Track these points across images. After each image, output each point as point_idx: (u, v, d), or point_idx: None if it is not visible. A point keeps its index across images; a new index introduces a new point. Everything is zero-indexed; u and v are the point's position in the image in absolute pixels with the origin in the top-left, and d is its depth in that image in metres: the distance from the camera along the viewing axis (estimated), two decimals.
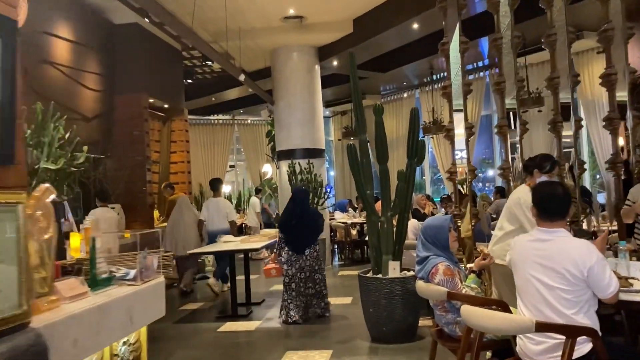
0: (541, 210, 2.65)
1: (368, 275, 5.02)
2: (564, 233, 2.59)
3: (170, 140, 9.71)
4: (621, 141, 6.51)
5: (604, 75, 4.57)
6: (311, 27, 8.98)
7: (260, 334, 5.40)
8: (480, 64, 11.35)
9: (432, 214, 9.17)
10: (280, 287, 7.60)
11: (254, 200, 11.60)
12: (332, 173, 15.97)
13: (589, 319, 2.44)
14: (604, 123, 4.69)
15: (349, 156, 5.26)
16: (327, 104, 14.46)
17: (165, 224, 8.60)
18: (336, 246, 11.11)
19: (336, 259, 10.74)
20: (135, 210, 7.72)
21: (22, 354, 1.65)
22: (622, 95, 4.67)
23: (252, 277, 7.72)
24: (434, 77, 12.06)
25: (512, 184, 5.15)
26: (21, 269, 1.73)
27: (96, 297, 2.27)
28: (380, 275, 4.91)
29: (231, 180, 16.05)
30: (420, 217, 8.13)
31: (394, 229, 5.09)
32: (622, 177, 4.58)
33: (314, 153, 9.78)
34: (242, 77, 7.93)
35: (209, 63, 10.62)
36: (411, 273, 4.88)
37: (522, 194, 3.67)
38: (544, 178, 3.59)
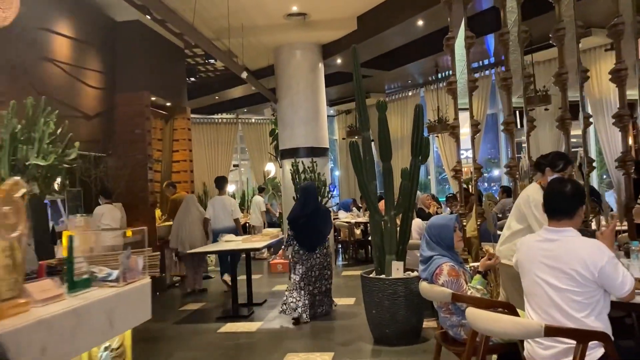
0: (547, 208, 2.55)
1: (371, 275, 4.92)
2: (572, 232, 2.48)
3: (172, 138, 9.64)
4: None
5: (613, 70, 4.44)
6: (315, 25, 8.89)
7: (261, 335, 5.31)
8: (486, 62, 11.21)
9: (437, 214, 9.06)
10: (283, 287, 7.56)
11: (258, 199, 11.52)
12: (336, 172, 15.87)
13: (601, 323, 2.32)
14: (612, 121, 4.57)
15: (352, 154, 5.15)
16: (331, 103, 14.37)
17: (166, 223, 8.55)
18: (340, 246, 11.01)
19: (340, 258, 10.64)
20: (136, 209, 7.65)
21: None
22: (631, 93, 4.55)
23: (254, 277, 7.64)
24: (439, 75, 11.93)
25: (518, 183, 5.03)
26: None
27: (73, 299, 2.12)
28: (383, 276, 4.80)
29: (235, 179, 15.97)
30: (425, 216, 8.03)
31: (398, 228, 4.99)
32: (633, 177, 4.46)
33: (317, 152, 9.70)
34: (244, 75, 7.85)
35: (212, 61, 10.56)
36: (415, 273, 4.78)
37: (531, 192, 3.56)
38: (555, 177, 3.47)
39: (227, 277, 7.58)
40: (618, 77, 4.36)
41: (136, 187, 7.75)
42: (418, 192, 9.97)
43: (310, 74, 9.84)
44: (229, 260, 7.33)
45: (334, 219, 10.69)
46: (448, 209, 9.34)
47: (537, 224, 3.40)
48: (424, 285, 3.29)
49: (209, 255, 9.00)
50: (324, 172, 9.53)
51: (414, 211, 5.28)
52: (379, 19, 8.39)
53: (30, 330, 1.76)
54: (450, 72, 5.51)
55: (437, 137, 12.02)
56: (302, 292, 5.63)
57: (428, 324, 4.95)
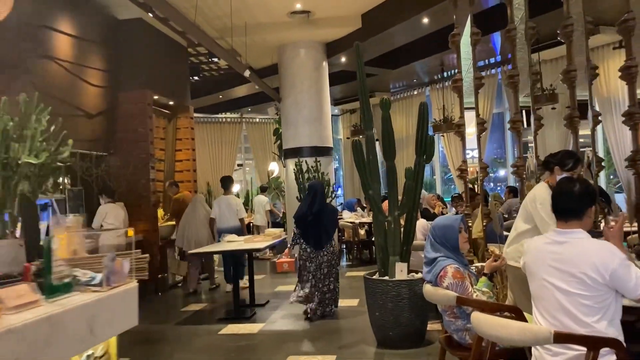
0: (555, 208, 2.46)
1: (374, 277, 4.82)
2: (582, 234, 2.38)
3: (175, 138, 9.56)
4: None
5: (623, 67, 4.32)
6: (318, 23, 8.81)
7: (263, 337, 5.23)
8: (492, 60, 11.09)
9: (442, 214, 8.97)
10: (286, 288, 7.49)
11: (262, 198, 11.43)
12: (341, 172, 15.79)
13: (613, 328, 2.22)
14: (622, 120, 4.46)
15: (354, 153, 5.06)
16: (335, 102, 14.29)
17: (169, 222, 8.49)
18: (344, 246, 10.92)
19: (344, 259, 10.55)
20: (138, 208, 7.58)
21: None
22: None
23: (257, 277, 7.57)
24: (445, 74, 11.80)
25: (525, 183, 4.93)
26: None
27: (50, 306, 1.98)
28: (386, 278, 4.71)
29: (239, 179, 15.91)
30: (430, 216, 7.94)
31: (402, 229, 4.89)
32: None
33: (321, 151, 9.62)
34: (247, 73, 7.78)
35: (216, 60, 10.48)
36: (419, 275, 4.68)
37: (538, 191, 3.46)
38: (564, 176, 3.36)
39: (243, 283, 7.30)
40: (628, 74, 4.25)
41: (138, 186, 7.69)
42: (424, 192, 9.92)
43: (314, 72, 9.76)
44: (236, 260, 7.18)
45: (338, 218, 10.60)
46: (453, 209, 9.25)
47: (542, 223, 3.30)
48: (427, 288, 3.20)
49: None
50: (327, 171, 9.45)
51: (418, 211, 5.18)
52: (384, 16, 8.29)
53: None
54: (456, 71, 5.41)
55: (443, 136, 11.91)
56: (312, 289, 5.69)
57: (432, 326, 4.86)
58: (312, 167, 8.83)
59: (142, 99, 7.77)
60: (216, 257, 9.35)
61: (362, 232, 10.31)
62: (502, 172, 16.89)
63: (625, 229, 3.96)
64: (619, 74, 4.39)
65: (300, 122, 9.69)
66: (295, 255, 5.86)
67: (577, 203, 2.41)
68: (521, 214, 3.67)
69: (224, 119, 14.61)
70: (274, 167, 13.73)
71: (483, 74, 10.87)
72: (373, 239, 9.21)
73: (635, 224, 4.53)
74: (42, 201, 5.37)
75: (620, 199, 9.68)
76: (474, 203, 5.78)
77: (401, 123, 13.20)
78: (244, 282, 7.26)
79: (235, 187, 13.53)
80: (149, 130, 7.80)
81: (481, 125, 5.24)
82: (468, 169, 5.60)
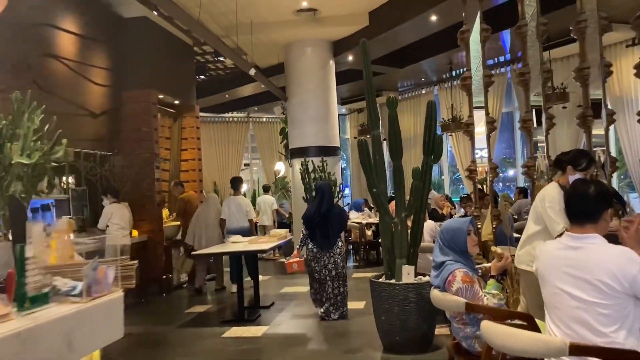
0: (569, 211, 2.34)
1: (380, 280, 4.70)
2: (598, 239, 2.25)
3: (181, 137, 9.49)
4: None
5: (639, 65, 4.20)
6: (325, 21, 8.71)
7: (267, 340, 5.13)
8: (501, 59, 10.93)
9: (451, 215, 8.85)
10: (291, 289, 7.40)
11: (269, 198, 11.33)
12: (349, 172, 15.68)
13: (632, 337, 2.09)
14: (636, 118, 4.33)
15: (360, 152, 4.93)
16: (342, 101, 14.18)
17: (174, 222, 8.41)
18: (351, 247, 10.81)
19: (350, 260, 10.44)
20: (143, 208, 7.52)
21: None
22: None
23: (262, 278, 7.48)
24: (454, 73, 11.66)
25: (535, 183, 4.80)
26: None
27: (22, 320, 1.83)
28: (393, 281, 4.59)
29: (246, 178, 15.86)
30: (438, 217, 7.83)
31: (409, 230, 4.77)
32: None
33: (327, 151, 9.52)
34: (252, 72, 7.69)
35: (222, 59, 10.42)
36: (427, 278, 4.55)
37: (547, 190, 3.33)
38: (577, 176, 3.23)
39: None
40: None
41: (143, 186, 7.63)
42: (433, 192, 9.79)
43: (320, 71, 9.66)
44: (244, 262, 7.07)
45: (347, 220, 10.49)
46: (462, 209, 9.12)
47: (551, 222, 3.18)
48: (435, 294, 3.08)
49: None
50: (334, 171, 9.35)
51: (426, 212, 5.06)
52: (391, 14, 8.18)
53: None
54: (465, 69, 5.29)
55: (451, 135, 11.77)
56: (323, 292, 5.70)
57: (440, 330, 4.73)
58: (318, 167, 8.73)
59: (146, 98, 7.71)
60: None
61: (369, 232, 10.19)
62: (511, 172, 16.69)
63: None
64: (632, 72, 4.28)
65: (307, 121, 9.59)
66: (304, 255, 5.81)
67: (592, 206, 2.29)
68: (531, 215, 3.54)
69: (230, 119, 14.55)
70: (280, 166, 13.65)
71: (492, 72, 10.79)
72: (380, 240, 9.11)
73: None
74: (45, 202, 5.30)
75: (634, 200, 9.48)
76: (482, 203, 5.66)
77: (409, 122, 13.08)
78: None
79: (243, 187, 13.48)
80: (153, 130, 7.73)
81: (491, 124, 5.11)
82: (477, 169, 5.49)
